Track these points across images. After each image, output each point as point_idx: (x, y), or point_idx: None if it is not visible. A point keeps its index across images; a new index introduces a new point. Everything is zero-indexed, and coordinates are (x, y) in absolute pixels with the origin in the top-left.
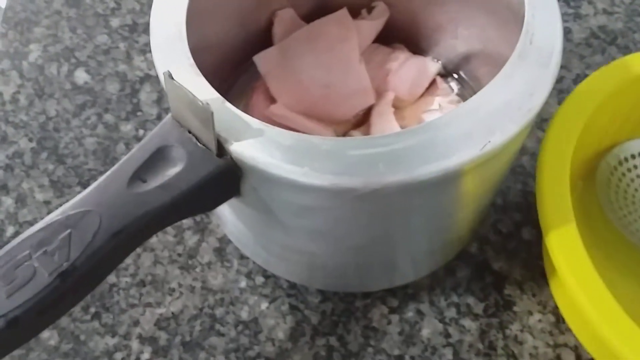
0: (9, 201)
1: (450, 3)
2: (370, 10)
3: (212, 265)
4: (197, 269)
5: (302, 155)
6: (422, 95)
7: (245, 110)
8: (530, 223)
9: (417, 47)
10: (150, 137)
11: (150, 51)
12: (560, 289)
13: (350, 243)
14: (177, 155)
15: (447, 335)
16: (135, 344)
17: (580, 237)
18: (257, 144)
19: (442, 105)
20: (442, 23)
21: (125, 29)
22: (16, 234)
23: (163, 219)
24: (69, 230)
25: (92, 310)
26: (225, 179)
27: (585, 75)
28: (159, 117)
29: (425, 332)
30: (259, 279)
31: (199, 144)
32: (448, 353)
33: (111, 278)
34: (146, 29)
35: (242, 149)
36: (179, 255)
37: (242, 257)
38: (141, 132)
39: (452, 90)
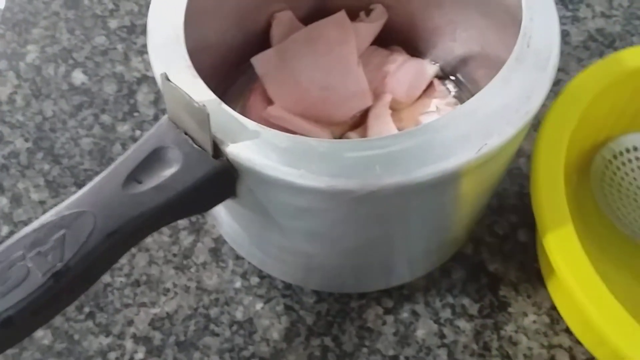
0: (4, 201)
1: (448, 6)
2: (368, 12)
3: (207, 265)
4: (192, 269)
5: (298, 157)
6: (420, 97)
7: (243, 112)
8: (526, 225)
9: (415, 49)
10: (146, 138)
11: (147, 52)
12: (556, 283)
13: (347, 245)
14: (173, 156)
15: (442, 335)
16: (129, 344)
17: (575, 230)
18: (253, 146)
19: (440, 107)
20: (440, 25)
21: (123, 31)
22: (11, 233)
23: (158, 220)
24: (63, 231)
25: (87, 309)
26: (221, 180)
27: None
28: (156, 118)
29: (420, 333)
30: (254, 280)
31: (195, 145)
32: (442, 354)
33: (106, 278)
34: (144, 31)
35: (238, 151)
36: (174, 255)
37: (238, 257)
38: (138, 132)
39: (450, 92)
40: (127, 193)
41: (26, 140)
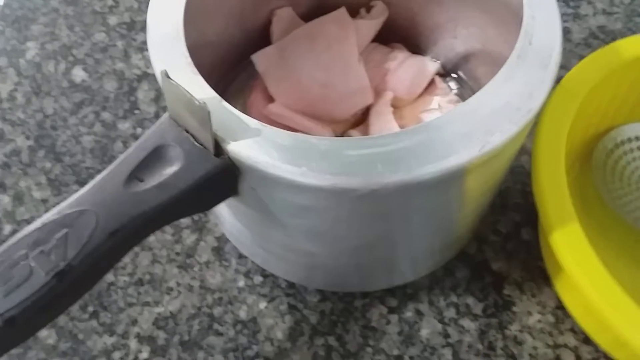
0: (6, 199)
1: (449, 2)
2: (369, 9)
3: (211, 264)
4: (196, 268)
5: (300, 155)
6: (421, 94)
7: (243, 109)
8: (530, 223)
9: (416, 46)
10: (147, 136)
11: (148, 49)
12: (560, 273)
13: (349, 243)
14: (175, 154)
15: (446, 335)
16: (133, 343)
17: (577, 218)
18: (254, 144)
19: (441, 104)
20: (441, 22)
21: (123, 27)
22: (13, 232)
23: (160, 219)
24: (65, 230)
25: (91, 309)
26: (223, 178)
27: None
28: (157, 116)
29: (424, 332)
30: (258, 279)
31: (196, 143)
32: (447, 353)
33: (109, 277)
34: (144, 27)
35: (240, 149)
36: (177, 254)
37: (241, 256)
38: (139, 130)
39: (451, 89)
40: (129, 191)
41: (27, 138)
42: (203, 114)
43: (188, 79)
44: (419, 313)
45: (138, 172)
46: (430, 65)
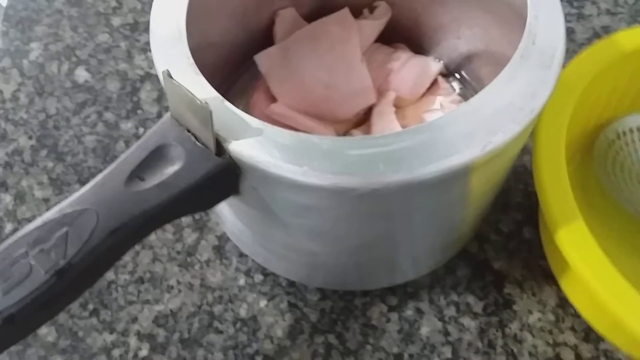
0: (8, 198)
1: (452, 3)
2: (372, 9)
3: (211, 262)
4: (196, 267)
5: (301, 155)
6: (424, 95)
7: (246, 110)
8: (531, 223)
9: (419, 46)
10: (148, 135)
11: (151, 50)
12: (560, 262)
13: (350, 242)
14: (176, 154)
15: (447, 333)
16: (133, 341)
17: (578, 208)
18: (256, 143)
19: (444, 105)
20: (445, 23)
21: (127, 28)
22: (15, 231)
23: (161, 218)
24: (65, 229)
25: (91, 306)
26: (224, 178)
27: None
28: (159, 116)
29: (424, 331)
30: (258, 277)
31: (197, 143)
32: (447, 351)
33: (110, 275)
34: (147, 28)
35: (241, 148)
36: (178, 252)
37: (241, 255)
38: (141, 130)
39: (454, 90)
40: (130, 190)
41: (30, 137)
42: (205, 113)
43: (190, 79)
44: (419, 311)
45: (139, 171)
46: (433, 66)
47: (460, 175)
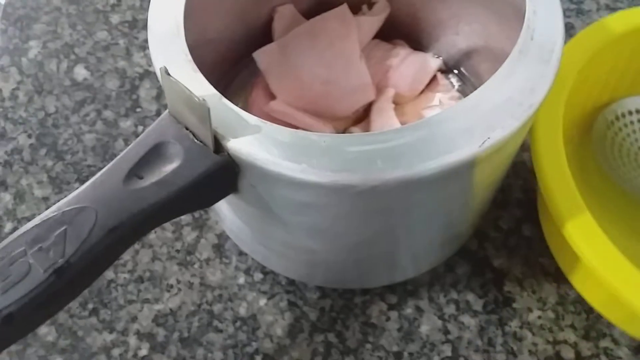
0: (7, 197)
1: None
2: (370, 6)
3: (211, 261)
4: (196, 265)
5: (300, 152)
6: (423, 91)
7: (245, 107)
8: (531, 220)
9: (418, 43)
10: (147, 133)
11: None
12: (562, 246)
13: (350, 240)
14: (174, 151)
15: (446, 331)
16: (133, 340)
17: (577, 187)
18: (254, 141)
19: (443, 101)
20: (444, 19)
21: (125, 26)
22: (14, 230)
23: (159, 216)
24: (64, 227)
25: (90, 306)
26: (223, 175)
27: None
28: (159, 114)
29: (424, 329)
30: (258, 276)
31: (196, 140)
32: (447, 349)
33: (109, 274)
34: (146, 26)
35: (240, 146)
36: (178, 251)
37: (241, 253)
38: (140, 128)
39: (453, 86)
40: (128, 188)
41: (29, 136)
42: (203, 110)
43: (188, 76)
44: (418, 309)
45: (137, 169)
46: (432, 62)
47: (459, 172)
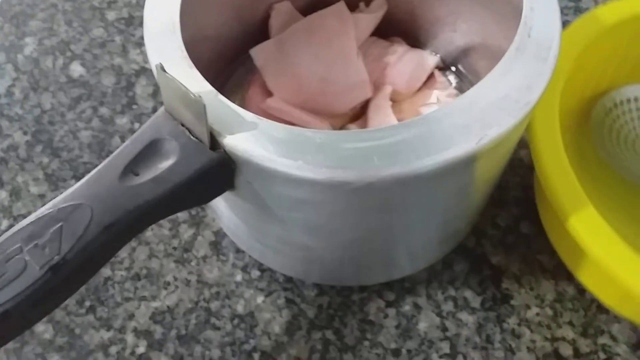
0: (3, 194)
1: None
2: (368, 3)
3: (208, 258)
4: (193, 263)
5: (295, 149)
6: (420, 88)
7: (242, 104)
8: (529, 217)
9: (415, 40)
10: (142, 130)
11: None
12: (558, 228)
13: (346, 236)
14: (170, 148)
15: (444, 328)
16: (130, 338)
17: (575, 173)
18: (250, 137)
19: (440, 98)
20: (441, 16)
21: (122, 22)
22: (10, 227)
23: (155, 213)
24: (60, 224)
25: (87, 303)
26: (219, 172)
27: None
28: (155, 111)
29: (422, 326)
30: (255, 273)
31: (192, 137)
32: (445, 347)
33: (106, 271)
34: (142, 22)
35: (236, 142)
36: (175, 248)
37: (238, 250)
38: (137, 125)
39: (451, 83)
40: (124, 185)
41: (25, 133)
42: (198, 107)
43: (184, 73)
44: (416, 307)
45: (133, 165)
46: (429, 59)
47: (456, 169)
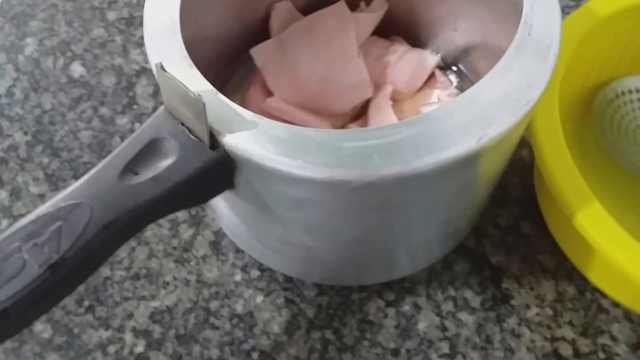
0: (3, 194)
1: None
2: (368, 2)
3: (207, 258)
4: (192, 262)
5: (295, 148)
6: (421, 88)
7: (242, 103)
8: (530, 217)
9: (416, 39)
10: (142, 129)
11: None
12: (563, 224)
13: (346, 236)
14: (170, 147)
15: (444, 328)
16: (129, 337)
17: (575, 162)
18: (250, 136)
19: (441, 98)
20: (442, 15)
21: (122, 22)
22: (10, 227)
23: (155, 212)
24: (59, 223)
25: (86, 303)
26: (219, 171)
27: None
28: (155, 111)
29: (421, 326)
30: (255, 273)
31: (191, 136)
32: (444, 347)
33: (105, 271)
34: (143, 22)
35: (236, 141)
36: (174, 248)
37: (238, 250)
38: (137, 125)
39: (451, 83)
40: (124, 184)
41: (25, 133)
42: (198, 106)
43: (184, 72)
44: (416, 306)
45: (133, 165)
46: (430, 59)
47: (456, 168)
